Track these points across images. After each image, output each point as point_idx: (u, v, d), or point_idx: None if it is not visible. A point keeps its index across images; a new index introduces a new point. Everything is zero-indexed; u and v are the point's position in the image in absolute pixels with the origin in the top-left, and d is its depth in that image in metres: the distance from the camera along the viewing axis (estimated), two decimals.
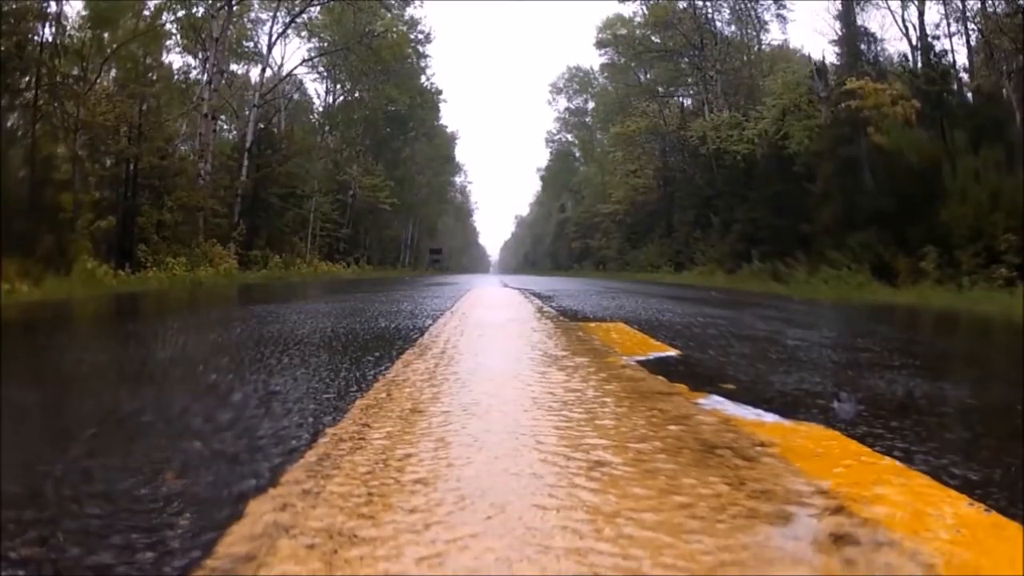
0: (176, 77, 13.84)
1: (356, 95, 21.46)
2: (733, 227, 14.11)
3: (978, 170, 8.13)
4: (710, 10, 17.79)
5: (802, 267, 9.78)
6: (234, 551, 0.40)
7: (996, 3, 10.39)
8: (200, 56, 13.67)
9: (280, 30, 16.44)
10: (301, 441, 0.66)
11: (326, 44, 19.03)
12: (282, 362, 1.21)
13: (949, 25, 11.25)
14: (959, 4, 11.08)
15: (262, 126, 15.06)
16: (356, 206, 20.02)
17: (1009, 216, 7.19)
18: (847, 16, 13.28)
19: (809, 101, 13.46)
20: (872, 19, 14.99)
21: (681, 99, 20.82)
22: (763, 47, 18.38)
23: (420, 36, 21.78)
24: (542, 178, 34.05)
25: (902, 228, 8.61)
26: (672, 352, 1.41)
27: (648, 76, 21.43)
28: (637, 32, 19.92)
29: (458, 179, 34.39)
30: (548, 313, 2.15)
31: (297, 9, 15.72)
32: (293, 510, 0.46)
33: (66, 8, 9.19)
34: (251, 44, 17.61)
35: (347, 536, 0.41)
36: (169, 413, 0.81)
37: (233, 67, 16.72)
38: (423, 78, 23.46)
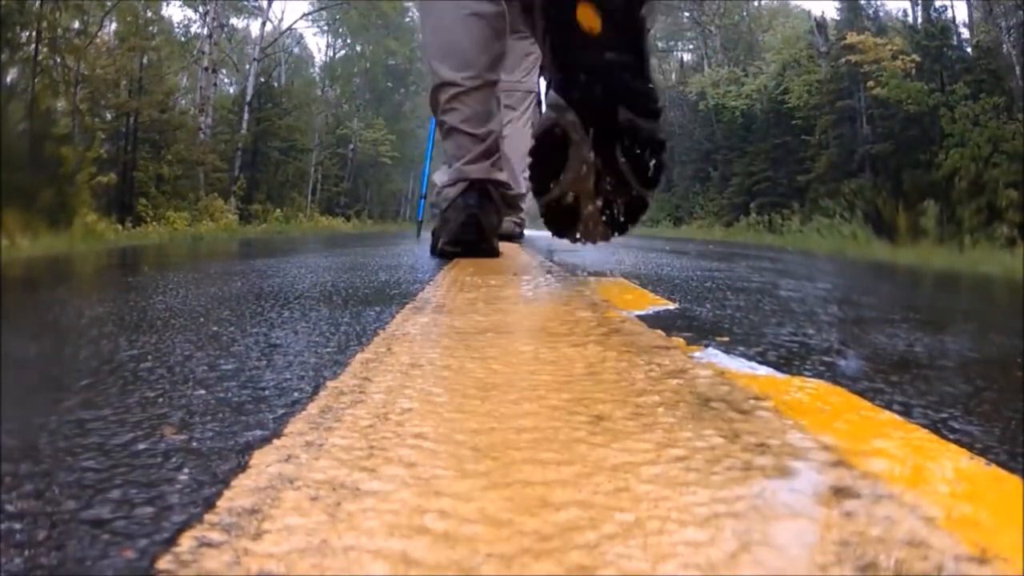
0: (176, 31, 13.81)
1: (357, 49, 21.40)
2: (732, 181, 14.14)
3: (977, 116, 8.14)
4: None
5: (796, 217, 9.83)
6: (237, 504, 0.40)
7: None
8: (200, 10, 13.63)
9: None
10: (303, 393, 0.66)
11: None
12: (283, 316, 1.21)
13: None
14: None
15: (262, 80, 15.01)
16: (356, 160, 20.00)
17: (1010, 161, 7.20)
18: None
19: (809, 56, 13.45)
20: None
21: (680, 54, 20.76)
22: (762, 1, 18.32)
23: None
24: None
25: (898, 172, 8.63)
26: (670, 306, 1.41)
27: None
28: None
29: None
30: (548, 268, 2.15)
31: None
32: (297, 462, 0.46)
33: None
34: None
35: (350, 489, 0.42)
36: (170, 362, 0.81)
37: (233, 21, 16.65)
38: None
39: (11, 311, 1.49)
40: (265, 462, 0.46)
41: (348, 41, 21.90)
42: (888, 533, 0.36)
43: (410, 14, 22.11)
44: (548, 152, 1.63)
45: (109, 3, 10.39)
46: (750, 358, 0.86)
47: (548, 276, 1.88)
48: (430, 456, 0.48)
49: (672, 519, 0.38)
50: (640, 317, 1.18)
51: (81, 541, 0.37)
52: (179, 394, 0.68)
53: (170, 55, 12.72)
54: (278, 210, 13.43)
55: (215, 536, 0.36)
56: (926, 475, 0.46)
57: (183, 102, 13.56)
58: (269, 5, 16.30)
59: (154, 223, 9.24)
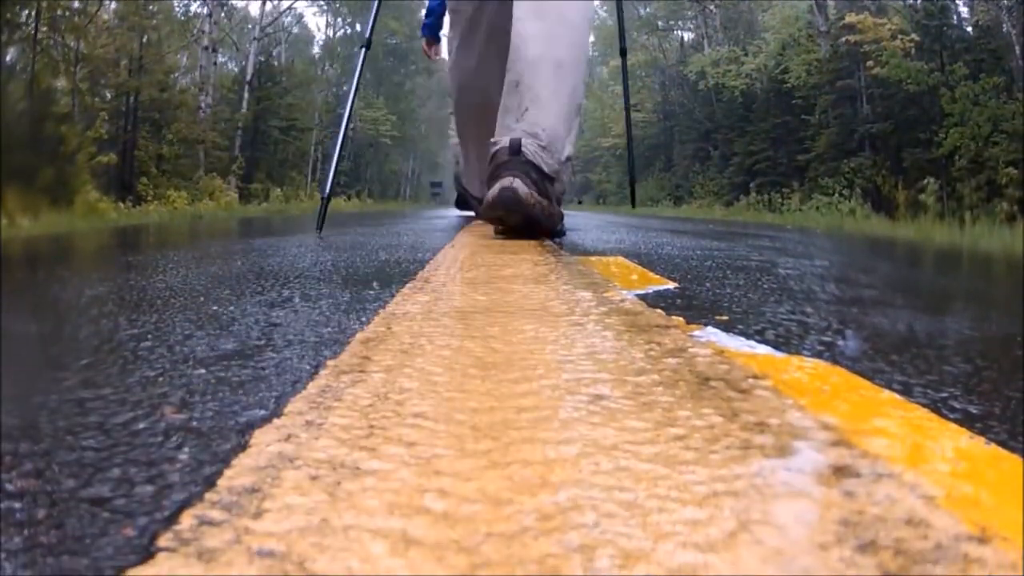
0: (176, 10, 13.74)
1: (357, 28, 21.33)
2: (732, 160, 14.11)
3: (977, 95, 8.13)
4: None
5: (796, 196, 9.85)
6: (237, 483, 0.40)
7: None
8: None
9: None
10: (303, 372, 0.66)
11: None
12: (283, 295, 1.21)
13: None
14: None
15: (262, 59, 14.96)
16: (357, 139, 19.93)
17: (1010, 140, 7.20)
18: None
19: (808, 36, 13.41)
20: None
21: (681, 33, 20.70)
22: None
23: None
24: None
25: (898, 152, 8.64)
26: (670, 285, 1.41)
27: (648, 10, 21.25)
28: None
29: None
30: (548, 247, 2.15)
31: None
32: (297, 441, 0.46)
33: None
34: None
35: (350, 468, 0.42)
36: (170, 342, 0.81)
37: (233, 0, 16.57)
38: (423, 11, 23.33)
39: (11, 290, 1.48)
40: (265, 441, 0.46)
41: (348, 20, 21.88)
42: (888, 512, 0.36)
43: None
44: None
45: None
46: (749, 337, 0.86)
47: (548, 256, 1.87)
48: (430, 435, 0.48)
49: (671, 498, 0.38)
50: (640, 296, 1.18)
51: (81, 519, 0.37)
52: (179, 373, 0.68)
53: (170, 34, 12.68)
54: (278, 189, 13.39)
55: (215, 515, 0.36)
56: (926, 454, 0.46)
57: (183, 81, 13.54)
58: None
59: (154, 202, 9.22)
